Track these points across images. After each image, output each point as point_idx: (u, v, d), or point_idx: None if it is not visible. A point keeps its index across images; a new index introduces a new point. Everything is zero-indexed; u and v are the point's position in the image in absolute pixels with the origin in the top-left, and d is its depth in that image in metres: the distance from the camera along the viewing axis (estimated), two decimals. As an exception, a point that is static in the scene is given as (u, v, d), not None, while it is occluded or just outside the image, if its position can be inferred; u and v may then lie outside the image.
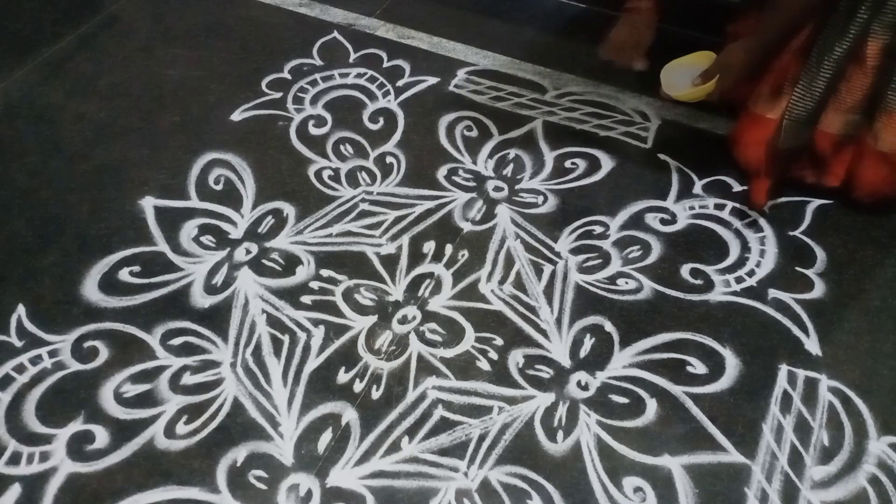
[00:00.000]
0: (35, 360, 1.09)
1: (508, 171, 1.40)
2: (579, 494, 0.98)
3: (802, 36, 1.21)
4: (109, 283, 1.19)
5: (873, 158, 1.23)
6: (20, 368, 1.08)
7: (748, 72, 1.20)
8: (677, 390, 1.08)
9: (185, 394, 1.06)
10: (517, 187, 1.37)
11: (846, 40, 1.15)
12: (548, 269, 1.24)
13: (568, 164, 1.41)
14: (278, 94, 1.53)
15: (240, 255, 1.24)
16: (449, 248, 1.26)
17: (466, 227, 1.30)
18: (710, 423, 1.05)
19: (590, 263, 1.24)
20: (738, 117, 1.34)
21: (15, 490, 0.96)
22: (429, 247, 1.26)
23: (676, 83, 1.25)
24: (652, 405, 1.06)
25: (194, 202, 1.32)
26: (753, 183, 1.32)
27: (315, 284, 1.20)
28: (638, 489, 0.99)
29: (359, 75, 1.58)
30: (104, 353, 1.10)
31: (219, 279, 1.20)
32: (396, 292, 1.20)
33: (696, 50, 1.25)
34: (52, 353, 1.09)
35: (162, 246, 1.25)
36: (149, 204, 1.31)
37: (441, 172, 1.39)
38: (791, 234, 1.30)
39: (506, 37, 1.69)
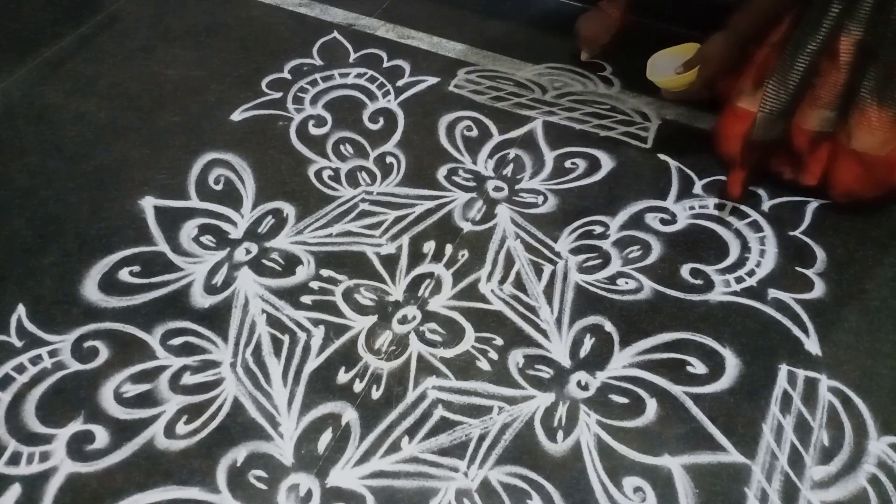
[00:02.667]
0: (35, 360, 1.09)
1: (508, 171, 1.40)
2: (579, 494, 0.98)
3: (781, 28, 1.21)
4: (109, 283, 1.19)
5: (847, 157, 1.24)
6: (20, 368, 1.08)
7: (727, 63, 1.27)
8: (677, 390, 1.08)
9: (185, 394, 1.06)
10: (517, 187, 1.37)
11: (819, 35, 1.15)
12: (548, 269, 1.24)
13: (568, 164, 1.41)
14: (278, 94, 1.53)
15: (240, 255, 1.24)
16: (449, 248, 1.26)
17: (466, 227, 1.30)
18: (710, 423, 1.05)
19: (590, 263, 1.24)
20: (721, 112, 1.37)
21: (15, 490, 0.96)
22: (429, 247, 1.26)
23: (660, 70, 1.36)
24: (652, 405, 1.07)
25: (194, 202, 1.32)
26: (730, 174, 1.34)
27: (315, 284, 1.20)
28: (638, 489, 0.99)
29: (359, 75, 1.58)
30: (104, 353, 1.10)
31: (219, 279, 1.20)
32: (396, 292, 1.20)
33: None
34: (52, 353, 1.09)
35: (162, 246, 1.25)
36: (149, 204, 1.31)
37: (441, 172, 1.39)
38: (791, 234, 1.30)
39: (506, 37, 1.69)
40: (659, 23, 1.62)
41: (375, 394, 1.07)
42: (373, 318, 1.16)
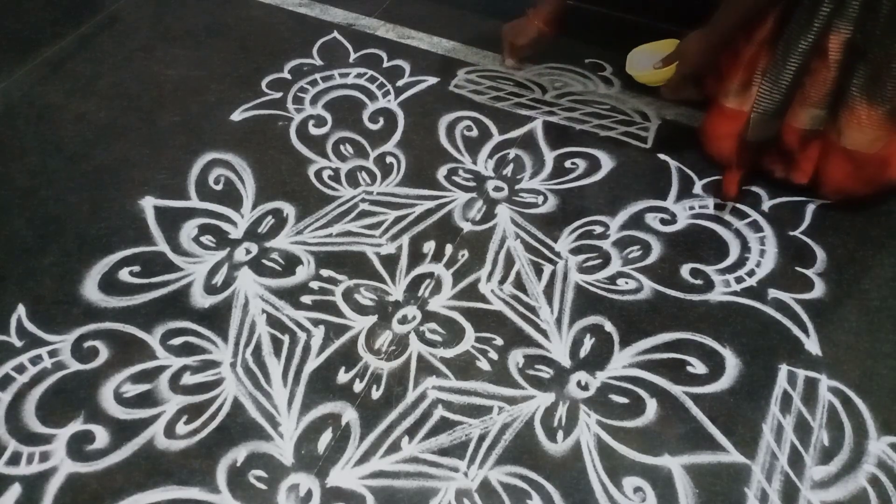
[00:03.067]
0: (35, 360, 1.09)
1: (508, 171, 1.40)
2: (579, 494, 0.98)
3: (767, 27, 1.22)
4: (109, 283, 1.19)
5: (838, 155, 1.24)
6: (20, 368, 1.08)
7: (705, 60, 1.28)
8: (677, 390, 1.08)
9: (185, 394, 1.06)
10: (517, 187, 1.37)
11: (811, 33, 1.15)
12: (548, 269, 1.24)
13: (568, 164, 1.41)
14: (278, 94, 1.53)
15: (240, 254, 1.24)
16: (449, 248, 1.26)
17: (466, 227, 1.30)
18: (710, 423, 1.05)
19: (590, 263, 1.24)
20: (707, 112, 1.37)
21: (15, 490, 0.96)
22: (429, 247, 1.26)
23: (639, 65, 1.40)
24: (652, 405, 1.07)
25: (194, 202, 1.32)
26: (725, 175, 1.34)
27: (315, 284, 1.20)
28: (638, 489, 0.99)
29: (359, 75, 1.58)
30: (104, 353, 1.10)
31: (219, 279, 1.20)
32: (396, 292, 1.20)
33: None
34: (52, 353, 1.10)
35: (162, 246, 1.25)
36: (149, 204, 1.31)
37: (441, 172, 1.39)
38: (791, 234, 1.30)
39: (506, 37, 1.69)
40: (658, 23, 1.62)
41: (375, 394, 1.07)
42: (373, 318, 1.16)
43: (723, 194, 1.33)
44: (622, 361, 1.11)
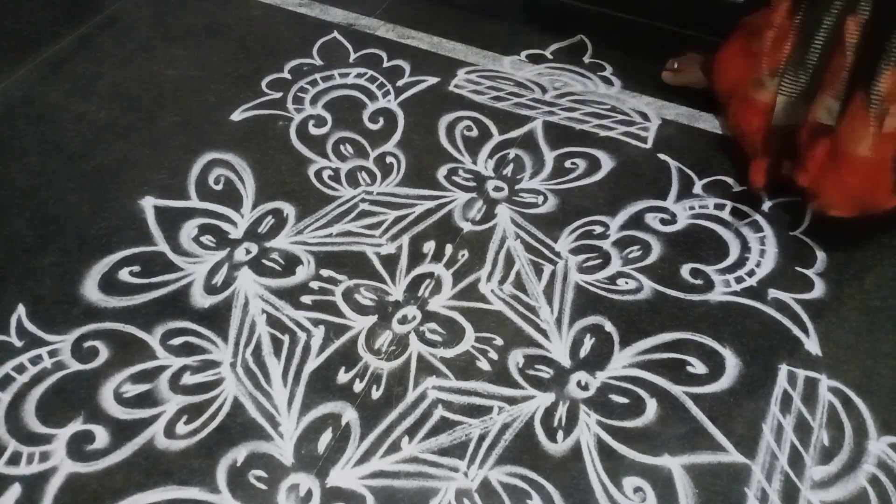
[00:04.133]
0: (35, 360, 1.09)
1: (508, 171, 1.40)
2: (579, 494, 0.98)
3: (781, 12, 1.19)
4: (109, 283, 1.19)
5: (836, 168, 1.20)
6: (20, 368, 1.08)
7: None
8: (677, 390, 1.08)
9: (185, 394, 1.06)
10: (517, 187, 1.37)
11: (831, 14, 1.13)
12: (548, 269, 1.24)
13: (568, 164, 1.41)
14: (278, 94, 1.53)
15: (240, 254, 1.24)
16: (449, 248, 1.26)
17: (466, 227, 1.30)
18: (710, 423, 1.05)
19: (590, 263, 1.24)
20: (735, 107, 1.34)
21: (15, 490, 0.96)
22: (429, 247, 1.26)
23: None
24: (652, 405, 1.07)
25: (194, 202, 1.32)
26: (752, 164, 1.31)
27: (315, 284, 1.20)
28: (638, 489, 0.99)
29: (359, 75, 1.58)
30: (104, 353, 1.10)
31: (219, 279, 1.20)
32: (396, 292, 1.20)
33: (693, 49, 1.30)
34: (52, 353, 1.10)
35: (162, 246, 1.25)
36: (149, 204, 1.31)
37: (441, 172, 1.39)
38: (791, 234, 1.30)
39: (506, 37, 1.69)
40: (658, 23, 1.63)
41: (375, 394, 1.07)
42: (373, 318, 1.16)
43: (749, 184, 1.31)
44: (622, 361, 1.11)
